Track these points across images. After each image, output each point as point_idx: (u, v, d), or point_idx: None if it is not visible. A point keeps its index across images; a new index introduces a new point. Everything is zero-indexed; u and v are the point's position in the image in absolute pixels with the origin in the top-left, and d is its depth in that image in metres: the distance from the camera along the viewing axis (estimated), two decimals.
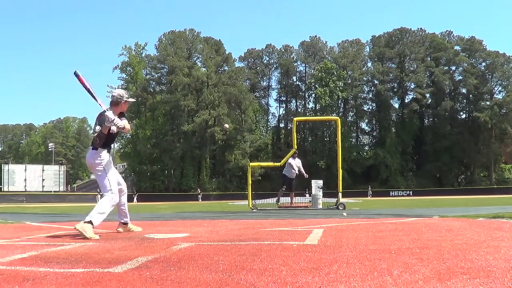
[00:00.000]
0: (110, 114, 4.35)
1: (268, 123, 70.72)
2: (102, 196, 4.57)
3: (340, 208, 10.40)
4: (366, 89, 64.79)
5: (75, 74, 4.45)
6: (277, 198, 12.94)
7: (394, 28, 64.10)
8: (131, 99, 4.78)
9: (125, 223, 4.98)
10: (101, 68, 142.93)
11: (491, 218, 5.83)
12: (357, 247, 3.15)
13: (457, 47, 63.49)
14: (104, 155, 4.53)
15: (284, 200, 13.26)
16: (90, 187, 73.90)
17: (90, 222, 4.22)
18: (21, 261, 2.79)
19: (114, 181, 4.58)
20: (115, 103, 4.60)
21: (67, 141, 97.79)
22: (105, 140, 4.55)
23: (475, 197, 29.09)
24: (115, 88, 58.56)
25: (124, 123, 4.54)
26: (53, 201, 45.40)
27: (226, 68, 63.97)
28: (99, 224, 4.37)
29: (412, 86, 61.76)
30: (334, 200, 12.32)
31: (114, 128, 4.43)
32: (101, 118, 4.40)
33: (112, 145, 4.88)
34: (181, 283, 2.03)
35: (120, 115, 4.66)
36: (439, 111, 60.41)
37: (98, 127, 4.45)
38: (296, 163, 12.51)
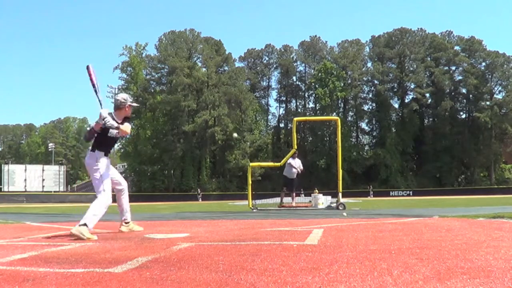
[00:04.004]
0: (103, 112, 4.40)
1: (268, 123, 70.71)
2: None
3: (340, 208, 10.39)
4: (366, 89, 64.80)
5: (87, 68, 4.58)
6: (280, 199, 12.99)
7: (394, 28, 64.12)
8: (135, 104, 4.80)
9: (127, 222, 5.03)
10: (102, 68, 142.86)
11: (491, 218, 5.83)
12: (357, 247, 3.15)
13: (457, 47, 63.46)
14: (101, 158, 4.55)
15: (286, 200, 13.27)
16: (90, 187, 73.84)
17: (85, 224, 4.25)
18: (21, 261, 2.79)
19: (108, 183, 4.58)
20: (118, 107, 4.66)
21: (67, 141, 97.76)
22: (103, 142, 4.58)
23: (475, 197, 29.06)
24: (117, 90, 58.63)
25: (125, 126, 4.59)
26: (53, 201, 45.35)
27: (226, 68, 63.92)
28: (94, 226, 4.37)
29: (412, 86, 61.72)
30: (334, 200, 12.33)
31: (114, 132, 4.51)
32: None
33: (111, 149, 4.87)
34: (181, 283, 2.03)
35: (125, 120, 4.69)
36: (439, 111, 60.40)
37: (93, 123, 4.53)
38: (296, 163, 12.56)
